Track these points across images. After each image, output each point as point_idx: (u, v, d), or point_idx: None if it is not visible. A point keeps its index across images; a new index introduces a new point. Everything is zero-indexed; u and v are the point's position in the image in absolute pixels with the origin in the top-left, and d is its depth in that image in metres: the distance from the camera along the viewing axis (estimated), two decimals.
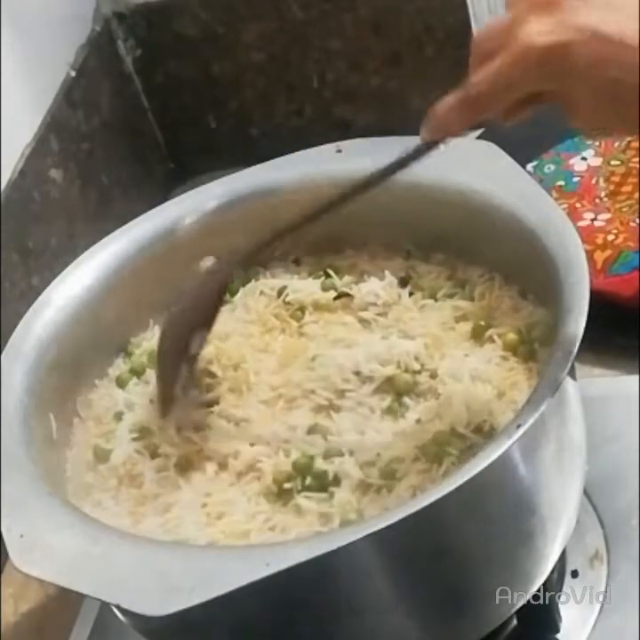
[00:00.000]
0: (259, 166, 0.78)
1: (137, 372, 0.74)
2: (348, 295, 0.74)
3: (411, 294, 0.74)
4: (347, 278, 0.76)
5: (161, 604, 0.52)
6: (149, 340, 0.76)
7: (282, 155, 0.78)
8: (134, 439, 0.68)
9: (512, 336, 0.68)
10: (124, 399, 0.72)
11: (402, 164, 0.59)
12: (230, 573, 0.52)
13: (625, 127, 0.54)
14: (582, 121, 0.54)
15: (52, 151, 0.98)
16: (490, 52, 0.53)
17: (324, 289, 0.75)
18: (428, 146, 0.58)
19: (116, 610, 0.56)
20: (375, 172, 0.60)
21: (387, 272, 0.75)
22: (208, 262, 0.68)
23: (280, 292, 0.76)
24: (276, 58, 1.11)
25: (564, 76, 0.52)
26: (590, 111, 0.53)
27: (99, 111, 1.07)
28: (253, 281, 0.78)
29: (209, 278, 0.68)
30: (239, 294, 0.77)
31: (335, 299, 0.74)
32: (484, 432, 0.63)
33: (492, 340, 0.68)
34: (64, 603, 0.79)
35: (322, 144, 0.77)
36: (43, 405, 0.68)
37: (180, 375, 0.69)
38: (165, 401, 0.69)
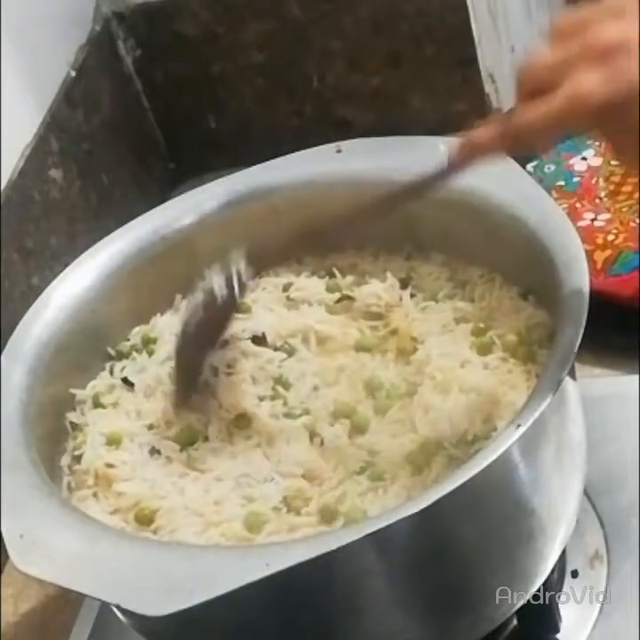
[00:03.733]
0: (259, 166, 0.78)
1: (123, 355, 0.74)
2: (349, 298, 0.74)
3: (412, 296, 0.74)
4: (349, 278, 0.76)
5: (161, 603, 0.52)
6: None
7: (282, 155, 0.78)
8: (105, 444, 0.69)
9: (512, 337, 0.67)
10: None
11: (420, 186, 0.62)
12: (230, 573, 0.52)
13: None
14: (627, 161, 0.58)
15: (52, 151, 0.98)
16: (537, 88, 0.54)
17: (329, 290, 0.75)
18: (456, 168, 0.59)
19: (115, 610, 0.56)
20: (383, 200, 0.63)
21: (388, 274, 0.75)
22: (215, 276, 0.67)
23: (285, 290, 0.76)
24: (276, 58, 1.11)
25: (615, 125, 0.54)
26: (635, 155, 0.55)
27: (99, 111, 1.07)
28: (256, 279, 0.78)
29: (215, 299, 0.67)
30: None
31: (337, 302, 0.74)
32: (482, 434, 0.63)
33: (491, 341, 0.68)
34: (64, 603, 0.79)
35: (322, 144, 0.77)
36: (43, 405, 0.68)
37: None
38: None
